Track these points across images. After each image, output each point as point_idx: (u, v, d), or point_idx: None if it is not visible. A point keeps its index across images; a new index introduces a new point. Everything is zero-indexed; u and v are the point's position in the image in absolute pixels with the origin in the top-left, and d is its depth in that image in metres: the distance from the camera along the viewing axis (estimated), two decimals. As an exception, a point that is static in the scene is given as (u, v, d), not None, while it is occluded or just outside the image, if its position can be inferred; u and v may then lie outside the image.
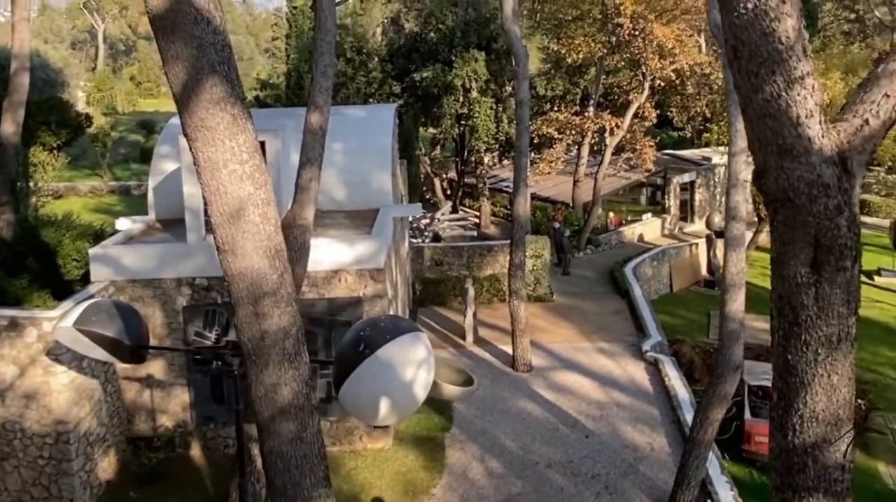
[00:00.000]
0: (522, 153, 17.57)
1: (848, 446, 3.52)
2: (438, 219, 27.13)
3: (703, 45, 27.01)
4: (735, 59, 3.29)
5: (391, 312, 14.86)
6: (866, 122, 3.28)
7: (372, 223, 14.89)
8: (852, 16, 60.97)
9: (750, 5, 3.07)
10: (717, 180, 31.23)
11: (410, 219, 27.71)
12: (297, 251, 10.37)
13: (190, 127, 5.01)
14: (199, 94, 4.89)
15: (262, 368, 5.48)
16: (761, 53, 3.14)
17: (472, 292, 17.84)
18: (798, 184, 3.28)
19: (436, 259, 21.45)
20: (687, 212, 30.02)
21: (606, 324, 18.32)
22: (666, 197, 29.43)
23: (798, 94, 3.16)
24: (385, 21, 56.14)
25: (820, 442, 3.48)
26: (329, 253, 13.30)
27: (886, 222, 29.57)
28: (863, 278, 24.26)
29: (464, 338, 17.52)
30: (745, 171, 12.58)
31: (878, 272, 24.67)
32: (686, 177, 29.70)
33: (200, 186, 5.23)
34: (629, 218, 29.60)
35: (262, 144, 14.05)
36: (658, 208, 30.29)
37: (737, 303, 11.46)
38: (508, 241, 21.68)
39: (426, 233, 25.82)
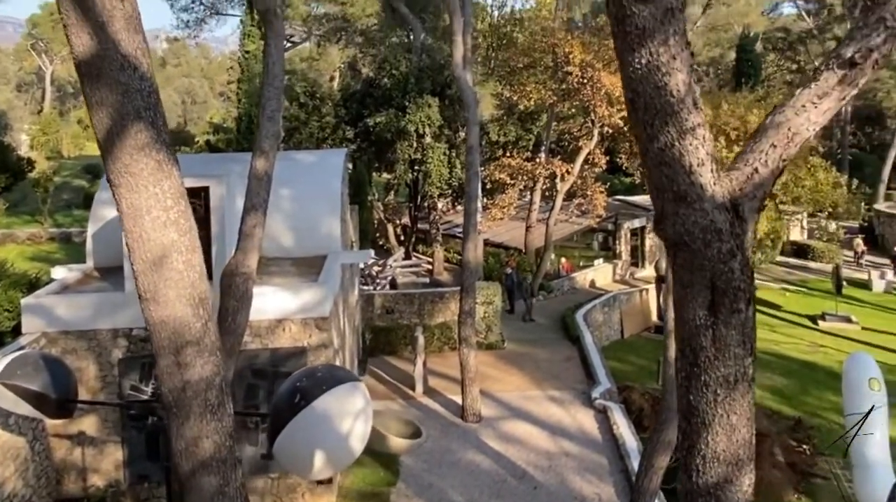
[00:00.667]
0: (472, 198, 17.90)
1: (749, 486, 3.66)
2: (391, 266, 27.18)
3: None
4: (633, 110, 3.52)
5: (337, 362, 14.71)
6: (756, 170, 3.52)
7: (319, 270, 14.85)
8: (794, 66, 64.53)
9: (644, 61, 3.29)
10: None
11: (362, 265, 27.72)
12: (238, 300, 10.28)
13: (114, 173, 5.03)
14: (124, 139, 4.93)
15: (183, 420, 5.40)
16: (655, 105, 3.36)
17: (422, 341, 17.82)
18: (693, 230, 3.49)
19: (386, 307, 21.41)
20: (638, 257, 30.77)
21: (557, 371, 18.46)
22: (617, 242, 30.16)
23: (690, 144, 3.39)
24: (342, 65, 57.09)
25: (722, 482, 3.62)
26: (273, 301, 13.19)
27: (830, 267, 30.76)
28: (807, 323, 25.29)
29: (413, 388, 17.40)
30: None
31: (822, 317, 25.52)
32: (636, 223, 30.54)
33: (123, 233, 5.23)
34: (581, 263, 30.17)
35: (207, 190, 14.11)
36: (609, 254, 30.98)
37: (671, 351, 11.78)
38: (455, 288, 21.97)
39: (378, 281, 25.80)
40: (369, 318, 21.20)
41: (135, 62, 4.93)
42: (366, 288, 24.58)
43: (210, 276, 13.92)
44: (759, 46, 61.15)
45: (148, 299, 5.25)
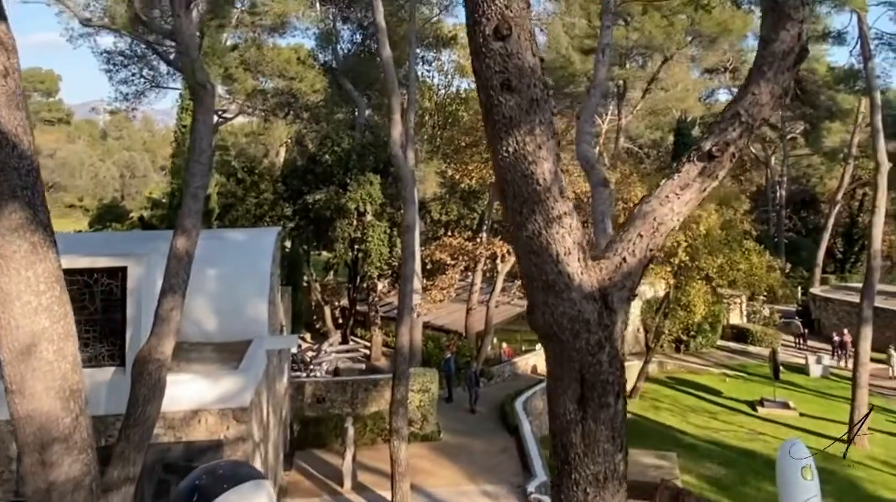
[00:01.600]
0: (408, 279, 17.83)
1: None
2: (325, 351, 26.64)
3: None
4: (504, 198, 3.59)
5: (258, 457, 14.10)
6: (624, 259, 3.60)
7: (242, 356, 14.42)
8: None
9: (511, 149, 3.38)
10: (610, 310, 32.68)
11: (295, 350, 27.09)
12: (150, 388, 9.85)
13: (-16, 255, 4.83)
14: (-3, 219, 4.78)
15: (45, 528, 5.01)
16: (522, 193, 3.43)
17: (351, 432, 17.28)
18: (561, 320, 3.50)
19: (317, 395, 20.81)
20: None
21: (493, 463, 18.06)
22: (560, 326, 30.35)
23: (557, 233, 3.45)
24: (289, 140, 57.69)
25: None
26: (189, 390, 12.67)
27: (768, 352, 31.49)
28: (746, 409, 25.65)
29: (342, 483, 16.72)
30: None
31: (761, 402, 25.96)
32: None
33: (-9, 320, 4.96)
34: (523, 348, 30.14)
35: (124, 270, 13.72)
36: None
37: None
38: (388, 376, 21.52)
39: (312, 367, 25.17)
40: (298, 408, 20.53)
41: (14, 140, 4.83)
42: (300, 374, 23.93)
43: (123, 362, 13.40)
44: (696, 131, 64.73)
45: (13, 391, 4.96)
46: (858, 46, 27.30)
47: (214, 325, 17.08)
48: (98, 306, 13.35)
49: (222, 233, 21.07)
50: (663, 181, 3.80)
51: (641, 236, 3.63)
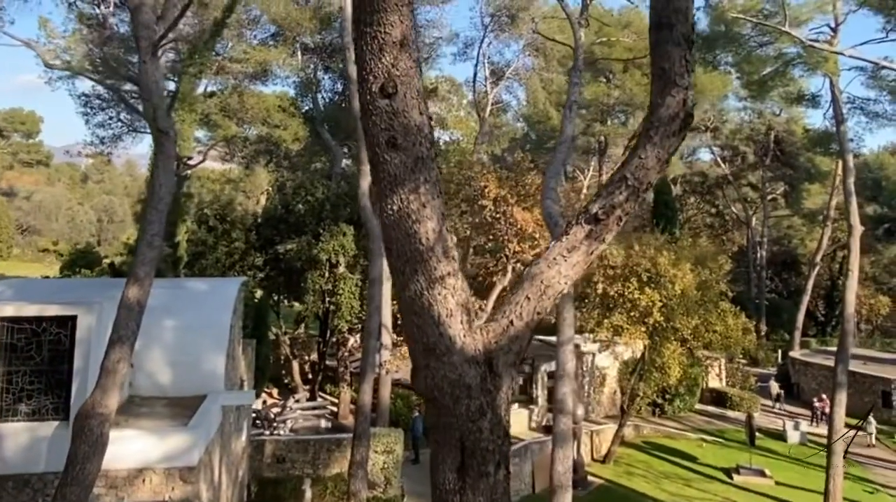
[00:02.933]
0: (372, 334, 17.71)
1: None
2: (290, 408, 26.07)
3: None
4: (388, 256, 3.56)
5: (207, 520, 13.65)
6: (511, 322, 3.54)
7: (195, 412, 14.10)
8: (713, 210, 69.32)
9: (395, 207, 3.36)
10: (585, 368, 32.47)
11: (259, 406, 26.54)
12: (91, 445, 9.59)
13: None
14: None
15: None
16: (405, 253, 3.40)
17: (309, 494, 16.86)
18: (442, 384, 3.42)
19: (277, 455, 20.30)
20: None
21: (457, 529, 17.56)
22: (534, 386, 30.02)
23: (439, 294, 3.39)
24: (269, 188, 57.86)
25: None
26: (134, 447, 12.38)
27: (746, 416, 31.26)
28: (722, 476, 25.29)
29: (295, 549, 16.17)
30: (572, 362, 13.20)
31: (737, 470, 25.61)
32: (555, 366, 30.58)
33: None
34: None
35: (74, 319, 13.47)
36: (526, 398, 30.73)
37: (565, 510, 11.41)
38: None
39: (276, 424, 24.58)
40: (257, 467, 19.99)
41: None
42: (263, 432, 23.36)
43: (67, 416, 13.05)
44: (678, 189, 65.70)
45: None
46: (831, 110, 27.99)
47: (169, 379, 16.73)
48: (45, 356, 13.11)
49: (183, 282, 20.81)
50: (552, 243, 3.80)
51: (529, 299, 3.59)
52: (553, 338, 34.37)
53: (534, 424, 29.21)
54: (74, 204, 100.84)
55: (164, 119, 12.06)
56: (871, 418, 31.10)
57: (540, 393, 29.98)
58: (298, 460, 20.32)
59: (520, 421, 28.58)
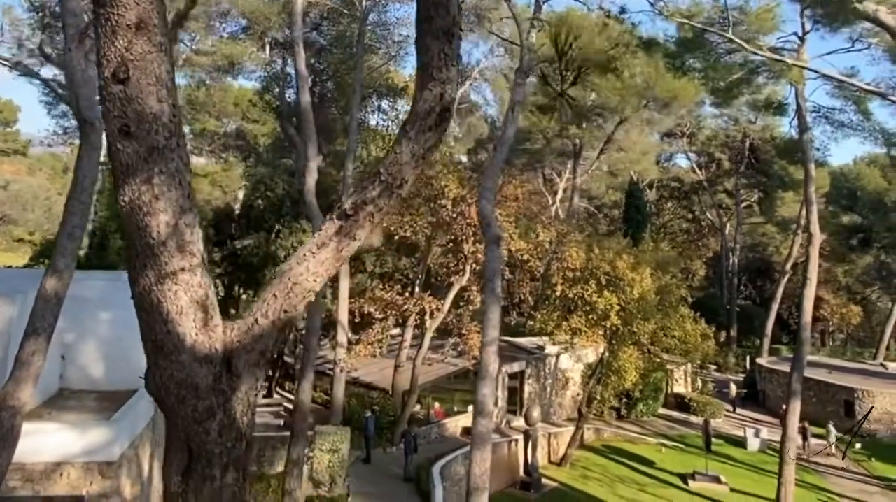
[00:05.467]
0: (313, 332, 17.47)
1: None
2: (241, 403, 25.76)
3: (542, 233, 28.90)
4: (127, 251, 3.42)
5: (132, 517, 13.37)
6: (256, 320, 3.40)
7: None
8: (689, 215, 69.79)
9: (127, 198, 3.20)
10: (548, 371, 32.38)
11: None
12: (2, 438, 9.42)
13: None
14: None
15: None
16: (136, 246, 3.25)
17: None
18: (168, 384, 3.30)
19: (220, 450, 20.01)
20: (517, 404, 30.47)
21: (397, 531, 17.41)
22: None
23: (169, 290, 3.24)
24: (247, 184, 57.48)
25: None
26: (52, 441, 12.12)
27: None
28: (678, 482, 25.27)
29: (228, 547, 15.88)
30: (495, 365, 13.04)
31: (693, 476, 25.57)
32: (516, 367, 30.51)
33: None
34: (456, 408, 29.51)
35: (-5, 310, 13.16)
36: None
37: (482, 512, 11.22)
38: (310, 433, 20.79)
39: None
40: (198, 464, 19.69)
41: None
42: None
43: (-16, 408, 12.66)
44: (654, 195, 66.04)
45: None
46: (796, 118, 28.08)
47: (101, 372, 16.49)
48: (-38, 348, 12.86)
49: (122, 274, 20.50)
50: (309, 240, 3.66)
51: (276, 297, 3.46)
52: (518, 340, 34.46)
53: (492, 425, 28.95)
54: (54, 194, 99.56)
55: (88, 109, 11.79)
56: (831, 427, 31.22)
57: (499, 395, 29.76)
58: (241, 458, 20.06)
59: (468, 421, 28.40)
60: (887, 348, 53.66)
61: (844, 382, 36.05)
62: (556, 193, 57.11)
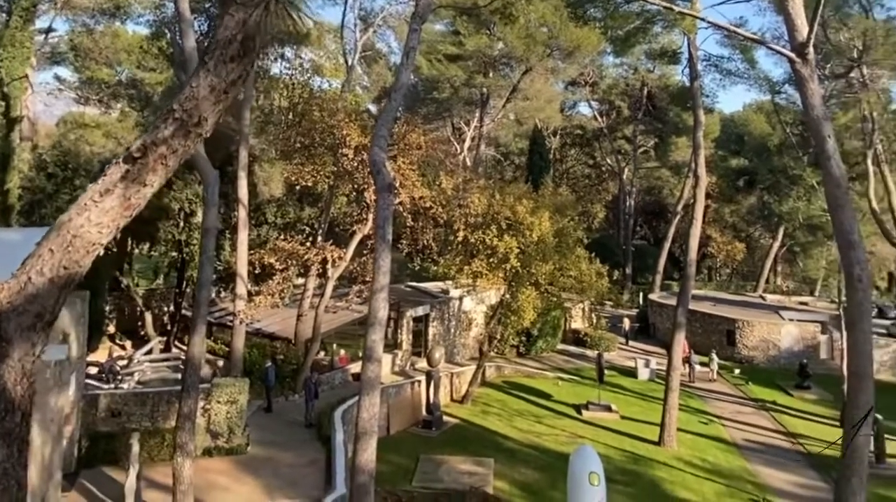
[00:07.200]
0: (203, 285, 16.74)
1: None
2: (138, 361, 24.78)
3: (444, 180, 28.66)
4: None
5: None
6: (30, 279, 2.98)
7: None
8: (591, 162, 71.38)
9: None
10: (451, 313, 32.71)
11: (103, 359, 25.08)
12: None
13: None
14: None
15: None
16: None
17: (136, 448, 15.89)
18: None
19: (113, 409, 19.22)
20: (421, 346, 30.71)
21: (297, 477, 17.27)
22: (398, 331, 29.96)
23: None
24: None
25: None
26: None
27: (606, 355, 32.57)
28: (573, 412, 26.29)
29: (122, 505, 15.34)
30: (384, 310, 12.92)
31: (586, 406, 26.71)
32: (420, 311, 30.66)
33: None
34: (361, 354, 29.37)
35: None
36: (393, 343, 30.65)
37: (367, 453, 11.22)
38: (207, 385, 20.21)
39: (121, 377, 23.29)
40: (91, 423, 18.81)
41: None
42: (104, 387, 22.03)
43: None
44: (558, 142, 67.00)
45: None
46: (689, 67, 28.67)
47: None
48: None
49: (2, 232, 19.04)
50: (89, 186, 3.22)
51: (52, 251, 3.04)
52: (425, 285, 34.56)
53: (397, 368, 29.20)
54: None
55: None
56: (714, 355, 33.13)
57: (405, 338, 29.96)
58: (136, 413, 19.35)
59: (384, 365, 28.49)
60: (767, 281, 57.24)
61: (727, 313, 38.25)
62: (464, 142, 56.90)
